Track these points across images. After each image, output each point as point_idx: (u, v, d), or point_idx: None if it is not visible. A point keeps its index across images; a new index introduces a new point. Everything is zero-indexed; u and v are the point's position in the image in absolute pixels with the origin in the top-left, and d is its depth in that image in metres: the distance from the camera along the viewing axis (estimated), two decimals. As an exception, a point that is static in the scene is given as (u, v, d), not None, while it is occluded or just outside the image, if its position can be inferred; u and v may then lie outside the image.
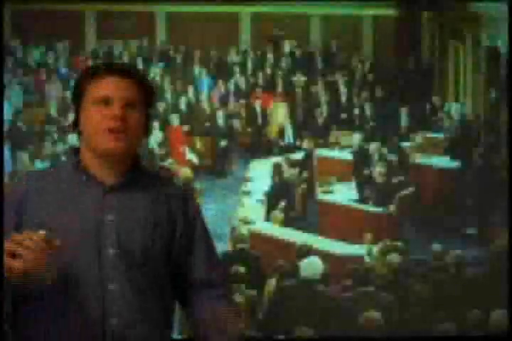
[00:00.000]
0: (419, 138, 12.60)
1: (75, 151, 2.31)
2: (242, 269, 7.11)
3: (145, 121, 2.27)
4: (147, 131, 2.32)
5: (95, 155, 2.23)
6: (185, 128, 13.67)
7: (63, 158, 11.91)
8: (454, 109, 13.43)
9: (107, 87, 2.20)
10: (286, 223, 10.05)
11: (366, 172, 11.43)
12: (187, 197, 2.47)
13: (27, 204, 2.24)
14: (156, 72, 15.62)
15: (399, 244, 8.43)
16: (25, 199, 2.24)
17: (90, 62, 16.19)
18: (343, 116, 14.71)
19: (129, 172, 2.29)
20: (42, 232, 2.06)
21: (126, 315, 2.22)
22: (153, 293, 2.29)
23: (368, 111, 14.27)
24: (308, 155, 12.37)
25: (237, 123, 14.56)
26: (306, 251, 7.49)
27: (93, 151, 2.23)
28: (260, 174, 11.99)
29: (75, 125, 2.25)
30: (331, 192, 10.99)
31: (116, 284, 2.23)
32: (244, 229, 8.66)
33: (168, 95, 14.78)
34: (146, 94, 2.27)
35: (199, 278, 2.42)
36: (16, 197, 2.25)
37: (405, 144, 12.83)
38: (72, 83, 15.20)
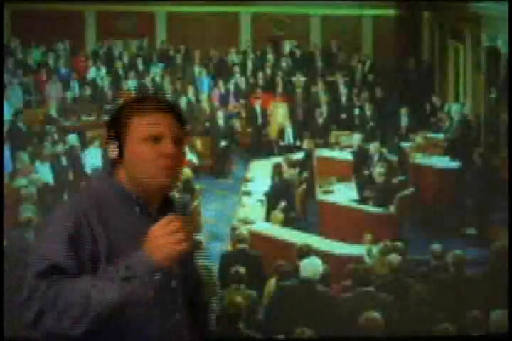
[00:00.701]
0: (419, 138, 12.60)
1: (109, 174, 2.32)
2: (242, 269, 7.11)
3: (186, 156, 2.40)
4: None
5: (139, 188, 2.26)
6: (185, 128, 13.67)
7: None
8: (454, 109, 13.43)
9: (156, 124, 2.23)
10: (286, 223, 10.06)
11: (366, 172, 11.43)
12: None
13: (96, 234, 2.19)
14: (156, 72, 15.62)
15: (399, 244, 8.43)
16: (95, 229, 2.19)
17: (90, 63, 16.22)
18: (343, 116, 14.72)
19: (164, 201, 2.33)
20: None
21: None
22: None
23: (367, 111, 14.27)
24: (308, 156, 12.37)
25: (237, 123, 14.57)
26: (306, 251, 7.49)
27: (138, 185, 2.25)
28: (260, 174, 12.00)
29: (120, 158, 2.27)
30: (331, 192, 11.00)
31: (180, 314, 2.32)
32: (244, 229, 8.66)
33: (168, 95, 14.78)
34: (184, 129, 2.31)
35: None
36: (85, 224, 2.18)
37: (405, 144, 12.84)
38: (72, 83, 15.27)
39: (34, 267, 2.08)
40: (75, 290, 2.03)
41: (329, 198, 10.77)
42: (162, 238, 2.08)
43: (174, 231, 2.08)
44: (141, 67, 16.05)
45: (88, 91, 15.13)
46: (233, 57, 16.68)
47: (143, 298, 2.07)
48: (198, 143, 13.58)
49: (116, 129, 2.27)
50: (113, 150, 2.26)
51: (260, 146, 14.43)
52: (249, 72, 16.24)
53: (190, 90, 14.89)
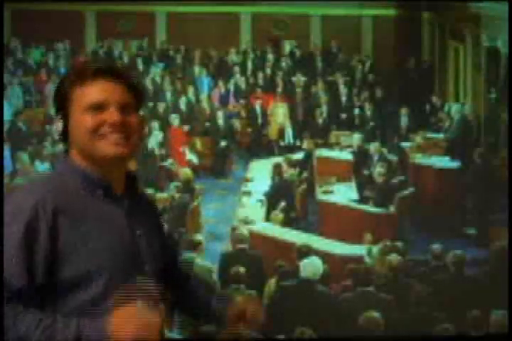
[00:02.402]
0: (419, 138, 12.60)
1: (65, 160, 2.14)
2: (242, 269, 7.10)
3: (141, 124, 2.15)
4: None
5: (94, 166, 2.09)
6: (185, 128, 13.68)
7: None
8: (454, 109, 13.43)
9: (99, 91, 2.06)
10: (286, 223, 10.06)
11: (366, 172, 11.43)
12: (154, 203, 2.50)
13: (58, 226, 2.00)
14: (156, 72, 15.62)
15: (399, 244, 8.43)
16: (56, 220, 2.00)
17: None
18: (343, 116, 14.72)
19: (128, 178, 2.18)
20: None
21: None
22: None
23: (368, 111, 14.27)
24: (308, 156, 12.37)
25: (237, 123, 14.56)
26: (306, 251, 7.49)
27: (91, 160, 2.08)
28: (260, 174, 11.99)
29: (65, 133, 2.11)
30: (331, 192, 10.99)
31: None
32: (244, 229, 8.65)
33: (168, 95, 14.78)
34: (137, 96, 2.14)
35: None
36: (29, 222, 1.98)
37: (405, 144, 12.84)
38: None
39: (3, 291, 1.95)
40: (17, 332, 1.91)
41: (329, 198, 10.77)
42: (128, 324, 1.88)
43: (144, 324, 1.89)
44: (141, 67, 16.04)
45: (88, 91, 15.13)
46: (233, 57, 16.68)
47: None
48: (198, 143, 13.58)
49: (60, 102, 2.11)
50: (58, 123, 2.10)
51: (260, 146, 14.43)
52: (249, 72, 16.23)
53: (190, 90, 14.88)
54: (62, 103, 2.10)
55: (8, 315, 1.91)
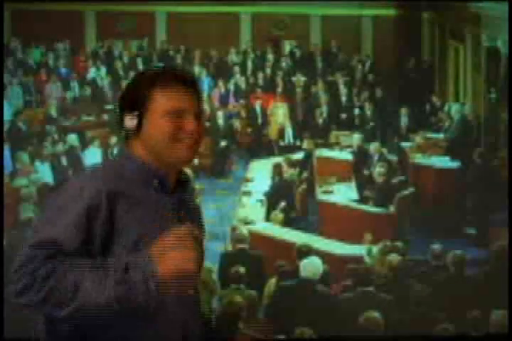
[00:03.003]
0: (419, 138, 12.60)
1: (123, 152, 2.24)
2: (242, 269, 7.10)
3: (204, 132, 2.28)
4: None
5: (157, 163, 2.19)
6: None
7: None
8: (454, 109, 13.43)
9: (179, 98, 2.17)
10: (286, 223, 10.05)
11: (366, 172, 11.43)
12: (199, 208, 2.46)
13: (116, 209, 2.09)
14: (156, 72, 15.61)
15: (399, 244, 8.42)
16: (114, 203, 2.09)
17: (90, 63, 16.23)
18: (343, 116, 14.73)
19: (180, 176, 2.25)
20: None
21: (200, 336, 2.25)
22: None
23: (368, 111, 14.27)
24: (308, 155, 12.37)
25: (237, 123, 14.56)
26: (306, 251, 7.48)
27: (159, 160, 2.18)
28: (260, 174, 11.99)
29: (135, 130, 2.19)
30: (331, 192, 10.99)
31: (196, 303, 2.25)
32: (244, 229, 8.65)
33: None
34: (202, 103, 2.25)
35: None
36: (92, 201, 2.06)
37: (405, 144, 12.84)
38: (72, 83, 15.27)
39: (32, 239, 2.01)
40: (69, 275, 1.94)
41: (329, 198, 10.77)
42: (174, 250, 1.95)
43: (189, 247, 1.96)
44: (141, 67, 16.04)
45: (88, 91, 15.14)
46: (233, 57, 16.68)
47: (140, 306, 1.94)
48: (198, 143, 13.57)
49: (134, 100, 2.18)
50: (132, 120, 2.17)
51: (260, 146, 14.43)
52: (249, 72, 16.24)
53: (190, 90, 14.86)
54: (139, 102, 2.17)
55: (55, 265, 1.96)
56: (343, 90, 15.22)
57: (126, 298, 1.93)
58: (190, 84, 2.20)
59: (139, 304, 1.94)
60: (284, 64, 16.40)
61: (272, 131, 14.44)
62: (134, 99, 2.18)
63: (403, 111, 13.78)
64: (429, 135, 13.08)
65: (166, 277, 1.93)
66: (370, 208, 10.38)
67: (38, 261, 1.96)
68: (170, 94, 2.17)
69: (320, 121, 14.36)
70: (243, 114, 15.04)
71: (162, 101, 2.17)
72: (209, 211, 11.37)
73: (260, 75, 15.83)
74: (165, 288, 1.94)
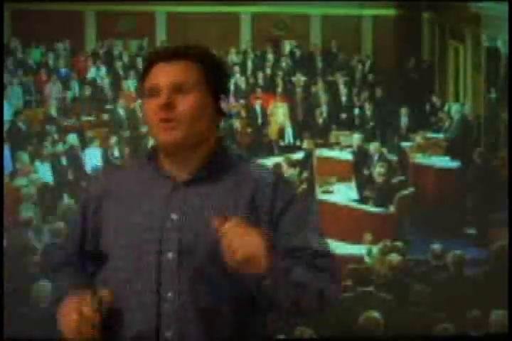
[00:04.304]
0: (419, 138, 12.59)
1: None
2: (242, 269, 7.10)
3: (207, 103, 2.06)
4: (218, 113, 2.13)
5: (162, 150, 2.09)
6: (185, 128, 13.65)
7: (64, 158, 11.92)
8: (454, 109, 13.42)
9: (154, 75, 2.02)
10: (287, 223, 10.03)
11: (366, 172, 11.42)
12: (277, 183, 2.10)
13: (102, 204, 2.14)
14: (156, 72, 15.61)
15: (399, 244, 8.42)
16: (101, 199, 2.14)
17: (90, 63, 16.22)
18: (343, 116, 14.71)
19: (203, 167, 2.06)
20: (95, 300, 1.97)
21: (184, 330, 1.98)
22: (222, 309, 2.00)
23: (368, 111, 14.26)
24: (308, 155, 12.36)
25: (237, 123, 14.55)
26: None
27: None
28: (260, 174, 11.95)
29: None
30: (331, 192, 10.98)
31: (174, 294, 1.99)
32: (244, 229, 8.64)
33: (168, 95, 14.77)
34: (205, 72, 2.03)
35: None
36: (91, 197, 2.18)
37: (405, 144, 12.83)
38: (72, 83, 15.26)
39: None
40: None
41: (329, 198, 10.76)
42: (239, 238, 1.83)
43: (245, 234, 1.83)
44: (141, 67, 16.02)
45: (88, 91, 15.12)
46: (233, 57, 16.67)
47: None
48: (198, 143, 13.56)
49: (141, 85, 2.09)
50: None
51: (260, 146, 14.42)
52: (249, 72, 16.23)
53: (190, 90, 14.86)
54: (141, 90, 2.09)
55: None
56: (343, 90, 15.21)
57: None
58: (172, 58, 2.02)
59: None
60: (284, 64, 16.39)
61: (272, 131, 14.43)
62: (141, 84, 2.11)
63: (403, 111, 13.77)
64: (429, 135, 13.07)
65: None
66: (370, 208, 10.37)
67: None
68: (148, 73, 2.05)
69: (320, 121, 14.36)
70: (243, 114, 15.03)
71: (144, 83, 2.06)
72: (209, 211, 11.35)
73: (260, 75, 15.82)
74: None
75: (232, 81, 15.77)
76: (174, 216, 2.02)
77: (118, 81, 15.38)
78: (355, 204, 10.56)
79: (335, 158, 12.55)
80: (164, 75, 1.99)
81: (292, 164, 11.63)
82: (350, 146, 12.69)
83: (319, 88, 15.12)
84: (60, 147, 11.92)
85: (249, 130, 14.79)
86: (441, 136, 12.99)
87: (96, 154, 12.25)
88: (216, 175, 2.06)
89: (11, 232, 8.90)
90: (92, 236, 2.16)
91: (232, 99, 15.67)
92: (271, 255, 1.88)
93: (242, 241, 1.83)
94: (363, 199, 10.76)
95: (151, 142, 12.59)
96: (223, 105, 2.12)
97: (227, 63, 16.57)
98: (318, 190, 11.19)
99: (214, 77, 2.06)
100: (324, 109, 14.52)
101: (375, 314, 6.22)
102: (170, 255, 2.00)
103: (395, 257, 7.50)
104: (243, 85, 15.62)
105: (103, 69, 15.97)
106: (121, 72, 15.83)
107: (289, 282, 1.93)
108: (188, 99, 2.00)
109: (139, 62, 16.26)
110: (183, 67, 2.01)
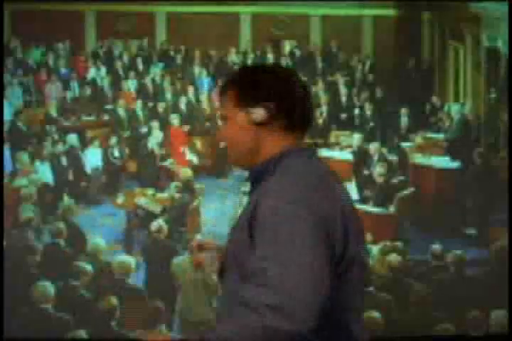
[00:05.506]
0: (419, 138, 12.60)
1: None
2: (242, 269, 7.10)
3: (238, 126, 2.14)
4: (256, 125, 2.12)
5: None
6: (186, 128, 13.67)
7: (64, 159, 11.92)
8: (454, 109, 13.43)
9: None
10: (286, 223, 10.03)
11: (366, 172, 11.43)
12: (260, 198, 2.05)
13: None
14: (156, 72, 15.62)
15: (399, 244, 8.43)
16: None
17: (90, 63, 16.22)
18: (343, 116, 14.72)
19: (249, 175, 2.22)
20: None
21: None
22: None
23: (368, 111, 14.27)
24: (308, 155, 12.35)
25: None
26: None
27: None
28: (260, 174, 11.96)
29: None
30: (331, 192, 10.97)
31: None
32: (244, 229, 8.65)
33: (168, 95, 14.78)
34: (238, 94, 2.10)
35: None
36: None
37: (405, 144, 12.83)
38: (72, 83, 15.27)
39: None
40: None
41: (329, 198, 10.75)
42: None
43: None
44: (141, 67, 16.04)
45: (88, 91, 15.13)
46: (233, 57, 16.68)
47: None
48: (198, 143, 13.58)
49: None
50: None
51: (260, 146, 14.41)
52: (249, 72, 16.23)
53: (190, 90, 14.88)
54: None
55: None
56: (343, 90, 15.22)
57: None
58: (222, 89, 2.15)
59: None
60: (284, 64, 16.39)
61: (272, 131, 14.42)
62: None
63: (403, 111, 13.77)
64: (429, 135, 13.08)
65: None
66: (370, 208, 10.38)
67: None
68: None
69: (320, 121, 14.36)
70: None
71: None
72: (209, 211, 11.37)
73: (260, 75, 15.81)
74: None
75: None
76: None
77: (118, 81, 15.40)
78: (355, 204, 10.56)
79: (335, 158, 12.55)
80: (218, 105, 2.35)
81: (292, 164, 11.61)
82: (350, 146, 12.70)
83: (319, 88, 15.14)
84: (60, 147, 11.92)
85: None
86: (441, 136, 13.00)
87: (96, 154, 12.26)
88: (252, 185, 2.18)
89: (10, 232, 8.91)
90: None
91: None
92: None
93: None
94: (363, 199, 10.77)
95: (151, 142, 12.61)
96: (255, 116, 2.12)
97: (227, 63, 16.59)
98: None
99: (245, 94, 2.10)
100: (324, 109, 14.53)
101: (375, 314, 6.22)
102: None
103: (395, 257, 7.50)
104: (243, 85, 15.62)
105: (103, 70, 15.98)
106: (121, 72, 15.85)
107: None
108: (224, 126, 2.17)
109: (139, 62, 16.29)
110: (221, 97, 2.15)
